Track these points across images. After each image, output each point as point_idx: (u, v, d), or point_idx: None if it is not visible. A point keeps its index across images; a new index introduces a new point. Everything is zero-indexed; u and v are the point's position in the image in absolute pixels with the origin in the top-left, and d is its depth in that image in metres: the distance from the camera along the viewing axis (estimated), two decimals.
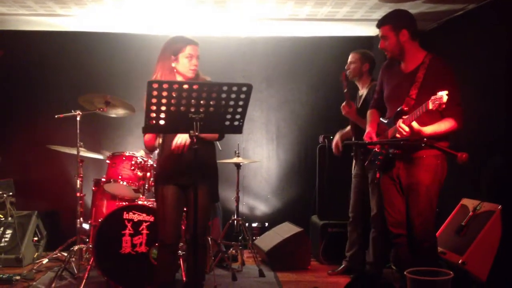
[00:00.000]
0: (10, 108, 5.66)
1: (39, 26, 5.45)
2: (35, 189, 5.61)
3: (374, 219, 4.07)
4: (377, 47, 3.42)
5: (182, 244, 3.95)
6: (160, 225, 3.23)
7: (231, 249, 4.81)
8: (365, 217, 4.22)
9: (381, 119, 3.45)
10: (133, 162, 4.28)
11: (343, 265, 4.54)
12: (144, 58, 5.05)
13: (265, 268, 4.69)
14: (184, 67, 3.18)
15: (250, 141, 5.97)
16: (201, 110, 2.66)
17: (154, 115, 2.65)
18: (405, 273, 2.98)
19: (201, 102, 2.64)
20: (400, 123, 3.06)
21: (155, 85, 2.57)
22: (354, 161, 4.50)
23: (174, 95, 2.60)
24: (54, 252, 4.79)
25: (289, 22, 5.24)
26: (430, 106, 2.85)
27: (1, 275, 4.24)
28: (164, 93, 2.58)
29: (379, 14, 4.80)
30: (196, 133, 2.67)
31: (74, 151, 4.47)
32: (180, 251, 3.98)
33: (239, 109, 2.71)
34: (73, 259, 4.37)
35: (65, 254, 4.55)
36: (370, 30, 5.48)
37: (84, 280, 3.97)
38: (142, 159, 4.28)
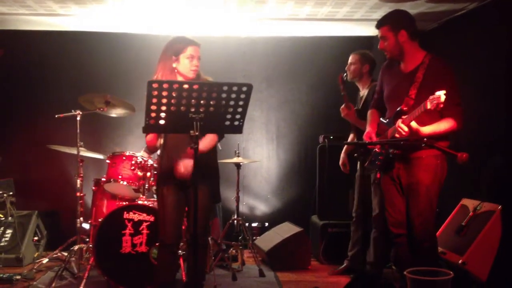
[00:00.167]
0: (10, 108, 5.67)
1: (39, 26, 5.45)
2: (35, 189, 5.62)
3: (376, 219, 4.07)
4: (377, 47, 3.42)
5: (182, 244, 3.95)
6: (161, 225, 3.24)
7: (231, 249, 4.82)
8: (367, 217, 4.23)
9: (381, 119, 3.45)
10: (133, 162, 4.27)
11: (344, 265, 4.54)
12: (144, 58, 5.06)
13: (265, 268, 4.69)
14: (185, 67, 3.18)
15: (250, 141, 5.97)
16: (201, 110, 2.66)
17: (154, 115, 2.65)
18: (405, 273, 2.98)
19: (201, 102, 2.64)
20: (399, 123, 3.07)
21: (155, 85, 2.57)
22: (358, 162, 4.50)
23: (174, 95, 2.60)
24: (54, 252, 4.78)
25: (289, 22, 5.24)
26: (428, 106, 2.85)
27: (1, 275, 4.24)
28: (164, 93, 2.58)
29: (379, 14, 4.80)
30: (197, 133, 2.67)
31: (74, 151, 4.47)
32: (180, 251, 3.98)
33: (239, 109, 2.71)
34: (73, 258, 4.37)
35: (65, 254, 4.55)
36: (370, 30, 5.47)
37: (84, 280, 3.97)
38: (142, 159, 4.28)
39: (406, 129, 3.02)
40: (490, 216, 3.69)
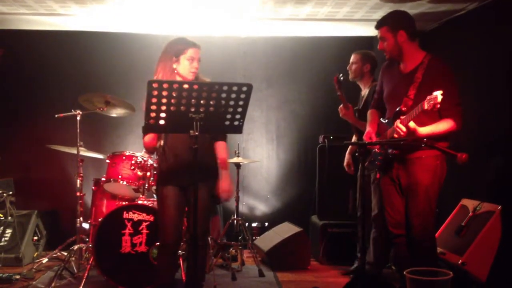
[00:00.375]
0: (10, 107, 5.66)
1: (39, 26, 5.45)
2: (35, 189, 5.62)
3: (375, 219, 4.07)
4: (377, 47, 3.43)
5: (182, 244, 3.95)
6: (161, 226, 3.23)
7: (231, 249, 4.82)
8: (366, 217, 4.23)
9: (380, 119, 3.46)
10: (133, 162, 4.27)
11: (355, 265, 4.53)
12: (145, 58, 5.06)
13: (264, 268, 4.69)
14: (184, 69, 3.18)
15: (250, 141, 5.97)
16: (201, 110, 2.66)
17: (154, 114, 2.65)
18: (404, 273, 2.98)
19: (201, 102, 2.64)
20: (397, 123, 3.07)
21: (155, 85, 2.57)
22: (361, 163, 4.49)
23: (174, 95, 2.60)
24: (54, 252, 4.78)
25: (290, 22, 5.24)
26: (426, 106, 2.86)
27: (1, 274, 4.24)
28: (164, 93, 2.58)
29: (379, 14, 4.80)
30: (196, 133, 2.67)
31: (74, 151, 4.47)
32: (180, 251, 3.98)
33: (239, 109, 2.71)
34: (73, 258, 4.36)
35: (65, 254, 4.55)
36: (370, 30, 5.47)
37: (84, 280, 3.97)
38: (142, 159, 4.28)
39: (404, 129, 3.03)
40: (489, 216, 3.69)
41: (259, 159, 5.88)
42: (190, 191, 3.12)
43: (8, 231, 4.84)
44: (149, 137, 3.17)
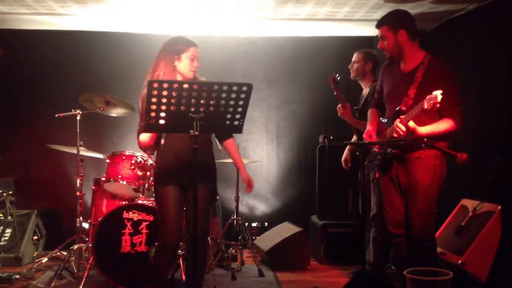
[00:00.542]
0: (10, 107, 5.66)
1: (39, 25, 5.45)
2: (35, 188, 5.62)
3: (374, 219, 4.07)
4: (377, 47, 3.43)
5: (181, 244, 3.95)
6: (162, 225, 3.21)
7: (230, 249, 4.82)
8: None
9: (380, 118, 3.46)
10: (133, 162, 4.27)
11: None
12: (145, 57, 4.99)
13: (264, 268, 4.69)
14: (185, 67, 3.19)
15: (250, 141, 5.97)
16: (201, 109, 2.66)
17: (154, 114, 2.65)
18: (404, 273, 2.98)
19: (201, 101, 2.64)
20: (397, 122, 3.07)
21: (156, 85, 2.57)
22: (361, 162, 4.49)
23: (174, 95, 2.60)
24: (54, 251, 4.79)
25: (290, 22, 5.25)
26: (425, 106, 2.86)
27: (0, 274, 4.24)
28: (165, 93, 2.58)
29: (380, 14, 4.80)
30: (196, 133, 2.67)
31: (74, 150, 4.47)
32: (180, 251, 3.98)
33: (239, 109, 2.71)
34: (73, 258, 4.36)
35: (65, 253, 4.55)
36: (371, 30, 5.48)
37: (84, 279, 3.97)
38: (142, 159, 4.28)
39: (403, 128, 3.03)
40: (489, 216, 3.69)
41: (259, 159, 5.88)
42: (190, 190, 3.13)
43: (8, 230, 4.84)
44: (148, 136, 3.15)
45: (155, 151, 3.33)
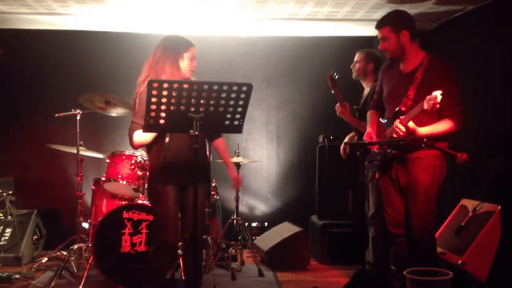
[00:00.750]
0: (10, 107, 5.66)
1: (39, 25, 5.45)
2: (35, 188, 5.61)
3: (373, 219, 4.06)
4: (377, 47, 3.42)
5: (181, 243, 3.94)
6: (162, 225, 3.20)
7: (230, 249, 4.81)
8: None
9: (380, 119, 3.46)
10: (132, 161, 4.28)
11: None
12: (145, 57, 5.01)
13: (264, 268, 4.69)
14: (185, 67, 3.19)
15: (250, 141, 5.97)
16: (201, 109, 2.66)
17: (154, 114, 2.65)
18: (404, 273, 2.98)
19: (201, 101, 2.64)
20: (397, 123, 3.07)
21: (156, 84, 2.57)
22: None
23: (174, 95, 2.60)
24: (54, 251, 4.79)
25: (290, 22, 5.24)
26: (425, 106, 2.86)
27: (0, 274, 4.24)
28: (165, 93, 2.58)
29: (380, 14, 4.80)
30: (196, 133, 2.67)
31: (74, 150, 4.47)
32: (180, 251, 3.97)
33: (239, 109, 2.71)
34: (73, 258, 4.37)
35: (65, 253, 4.55)
36: (371, 30, 5.47)
37: (84, 279, 3.97)
38: (142, 158, 4.28)
39: (403, 129, 3.03)
40: (489, 216, 3.69)
41: (259, 159, 5.88)
42: (189, 190, 3.13)
43: (8, 230, 4.84)
44: (150, 136, 3.11)
45: (150, 149, 3.26)
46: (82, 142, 4.46)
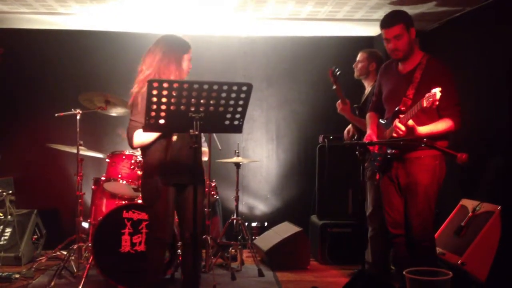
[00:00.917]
0: (10, 106, 5.66)
1: (39, 25, 5.45)
2: (35, 188, 5.61)
3: (370, 218, 4.06)
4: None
5: (180, 243, 3.94)
6: (163, 223, 3.19)
7: (230, 249, 4.81)
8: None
9: (380, 120, 3.46)
10: (132, 161, 4.27)
11: None
12: None
13: (264, 268, 4.69)
14: (185, 68, 3.23)
15: (250, 141, 5.97)
16: (201, 109, 2.65)
17: (154, 114, 2.65)
18: (404, 273, 2.98)
19: (201, 101, 2.64)
20: (396, 122, 3.07)
21: (156, 84, 2.56)
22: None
23: (174, 94, 2.59)
24: (54, 251, 4.79)
25: (290, 21, 5.25)
26: (424, 104, 2.86)
27: (0, 273, 4.24)
28: (165, 92, 2.58)
29: (380, 14, 4.81)
30: (196, 132, 2.67)
31: (74, 150, 4.47)
32: (179, 250, 3.97)
33: (239, 109, 2.71)
34: (73, 257, 4.37)
35: (65, 253, 4.56)
36: (371, 30, 5.48)
37: (84, 279, 3.97)
38: (142, 158, 4.27)
39: (403, 128, 3.03)
40: (489, 216, 3.69)
41: (259, 158, 5.88)
42: (187, 190, 3.14)
43: (8, 230, 4.84)
44: (151, 137, 3.08)
45: (148, 147, 3.23)
46: (82, 142, 4.45)
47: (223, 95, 2.64)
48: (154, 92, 2.57)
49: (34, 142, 5.54)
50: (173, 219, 3.27)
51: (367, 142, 3.35)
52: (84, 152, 4.61)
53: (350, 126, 4.54)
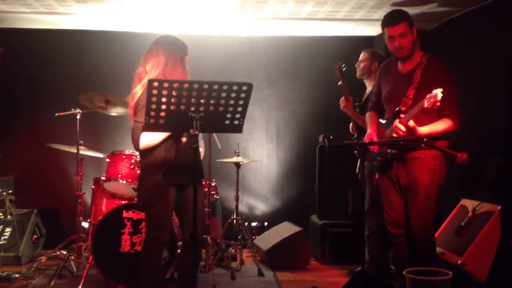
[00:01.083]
0: (10, 106, 5.65)
1: (40, 24, 5.45)
2: (35, 187, 5.61)
3: (367, 216, 4.04)
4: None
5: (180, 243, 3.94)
6: (163, 222, 3.18)
7: (230, 248, 4.82)
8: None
9: (380, 120, 3.46)
10: (132, 161, 4.28)
11: None
12: None
13: (264, 268, 4.68)
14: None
15: (250, 140, 5.97)
16: (201, 109, 2.65)
17: (154, 113, 2.65)
18: (404, 273, 2.98)
19: (201, 101, 2.63)
20: (396, 123, 3.07)
21: (156, 84, 2.56)
22: (359, 161, 4.48)
23: (174, 94, 2.59)
24: (53, 250, 4.79)
25: (290, 21, 5.25)
26: (425, 105, 2.86)
27: (0, 273, 4.24)
28: (165, 92, 2.58)
29: (380, 14, 4.81)
30: (196, 132, 2.67)
31: (74, 150, 4.47)
32: (179, 250, 3.97)
33: (239, 108, 2.71)
34: (72, 257, 4.37)
35: (64, 252, 4.56)
36: (371, 30, 5.48)
37: (83, 279, 3.97)
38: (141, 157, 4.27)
39: (403, 128, 3.03)
40: (489, 216, 3.69)
41: (259, 158, 5.88)
42: (188, 190, 3.13)
43: (8, 229, 4.84)
44: (158, 138, 3.05)
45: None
46: (82, 142, 4.45)
47: (223, 95, 2.64)
48: (154, 92, 2.57)
49: (34, 142, 5.53)
50: (171, 219, 3.27)
51: (367, 142, 3.36)
52: (84, 152, 4.61)
53: (352, 123, 4.55)
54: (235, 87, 2.63)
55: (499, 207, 3.67)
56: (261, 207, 5.95)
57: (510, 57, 3.94)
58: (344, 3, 4.63)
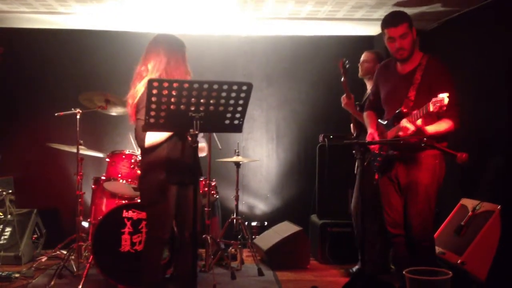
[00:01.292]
0: (10, 106, 5.66)
1: (39, 24, 5.45)
2: (35, 187, 5.61)
3: (353, 212, 4.05)
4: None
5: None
6: (164, 221, 3.18)
7: (230, 248, 4.82)
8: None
9: (379, 120, 3.45)
10: (132, 161, 4.28)
11: None
12: None
13: (264, 267, 4.69)
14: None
15: (250, 140, 5.97)
16: (201, 108, 2.65)
17: (154, 113, 2.65)
18: (404, 272, 2.99)
19: (201, 100, 2.64)
20: (404, 122, 3.04)
21: (156, 84, 2.56)
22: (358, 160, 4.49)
23: (174, 94, 2.59)
24: (53, 250, 4.79)
25: (290, 21, 5.25)
26: (431, 109, 2.84)
27: (0, 273, 4.24)
28: (165, 92, 2.58)
29: (380, 14, 4.81)
30: (196, 132, 2.67)
31: (74, 149, 4.47)
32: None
33: (239, 108, 2.71)
34: (73, 257, 4.37)
35: (65, 252, 4.56)
36: (371, 30, 5.48)
37: (83, 278, 3.97)
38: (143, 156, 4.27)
39: (412, 127, 3.00)
40: (489, 216, 3.70)
41: (259, 158, 5.88)
42: (188, 188, 3.13)
43: (8, 229, 4.84)
44: (162, 136, 3.07)
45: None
46: (82, 141, 4.45)
47: (223, 94, 2.64)
48: (154, 91, 2.57)
49: (34, 142, 5.54)
50: (172, 218, 3.27)
51: (367, 142, 3.35)
52: (84, 151, 4.61)
53: (352, 124, 4.55)
54: (235, 87, 2.63)
55: (499, 207, 3.68)
56: (261, 206, 5.95)
57: (509, 57, 3.94)
58: (344, 3, 4.63)
